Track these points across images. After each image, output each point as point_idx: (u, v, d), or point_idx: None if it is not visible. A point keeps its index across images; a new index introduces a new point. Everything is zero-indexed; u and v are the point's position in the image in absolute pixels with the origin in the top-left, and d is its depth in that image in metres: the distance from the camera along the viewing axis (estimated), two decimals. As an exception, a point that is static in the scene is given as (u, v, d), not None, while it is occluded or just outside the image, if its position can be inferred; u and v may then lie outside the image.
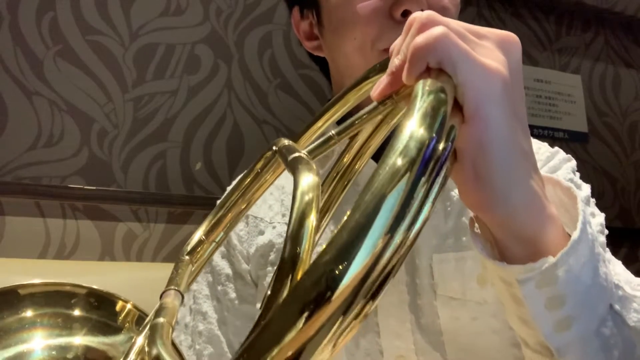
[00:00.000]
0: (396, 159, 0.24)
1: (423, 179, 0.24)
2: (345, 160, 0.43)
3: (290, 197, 0.77)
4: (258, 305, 0.70)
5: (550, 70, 1.94)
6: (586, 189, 0.65)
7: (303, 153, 0.36)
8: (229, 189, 0.80)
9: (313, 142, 0.43)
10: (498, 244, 0.38)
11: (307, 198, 0.29)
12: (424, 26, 0.34)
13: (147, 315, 0.63)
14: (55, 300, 0.49)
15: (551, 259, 0.35)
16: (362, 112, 0.39)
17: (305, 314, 0.20)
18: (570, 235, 0.37)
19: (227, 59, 1.46)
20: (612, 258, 0.54)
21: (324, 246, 0.22)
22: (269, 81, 1.49)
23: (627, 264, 0.51)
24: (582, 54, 2.01)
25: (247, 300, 0.70)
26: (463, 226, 0.63)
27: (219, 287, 0.71)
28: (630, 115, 2.05)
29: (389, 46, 0.60)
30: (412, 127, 0.26)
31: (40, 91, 1.26)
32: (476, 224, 0.40)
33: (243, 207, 0.45)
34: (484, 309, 0.59)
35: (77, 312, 0.49)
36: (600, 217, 0.61)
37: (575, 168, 0.68)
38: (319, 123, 0.44)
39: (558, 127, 1.89)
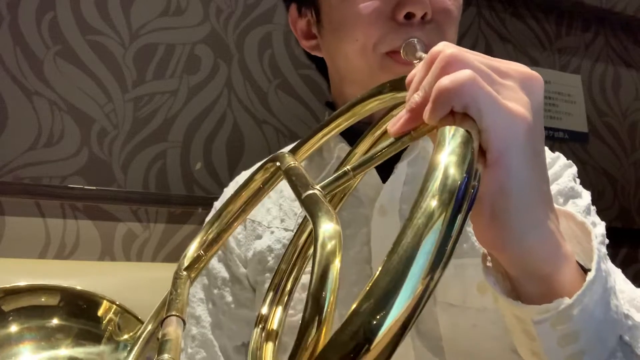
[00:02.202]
0: (431, 200, 0.25)
1: (458, 218, 0.25)
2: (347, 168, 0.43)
3: (289, 201, 0.76)
4: (255, 312, 0.69)
5: (550, 70, 1.94)
6: (587, 196, 0.65)
7: (317, 189, 0.35)
8: (226, 190, 0.80)
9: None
10: (511, 279, 0.38)
11: (328, 250, 0.27)
12: (449, 66, 0.34)
13: (133, 316, 0.62)
14: (37, 309, 0.48)
15: (567, 300, 0.35)
16: (379, 147, 0.39)
17: None
18: (583, 269, 0.37)
19: (227, 59, 1.46)
20: (612, 267, 0.53)
21: (361, 295, 0.22)
22: (269, 81, 1.49)
23: (627, 264, 0.51)
24: (582, 54, 2.01)
25: (244, 304, 0.70)
26: (463, 233, 0.63)
27: (215, 291, 0.70)
28: (630, 115, 2.05)
29: (390, 49, 0.60)
30: (439, 177, 0.26)
31: (40, 91, 1.26)
32: (489, 258, 0.40)
33: (241, 217, 0.45)
34: (484, 316, 0.59)
35: (58, 321, 0.48)
36: (601, 227, 0.60)
37: (576, 174, 0.68)
38: (319, 135, 0.44)
39: (558, 127, 1.89)
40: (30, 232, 1.21)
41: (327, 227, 0.29)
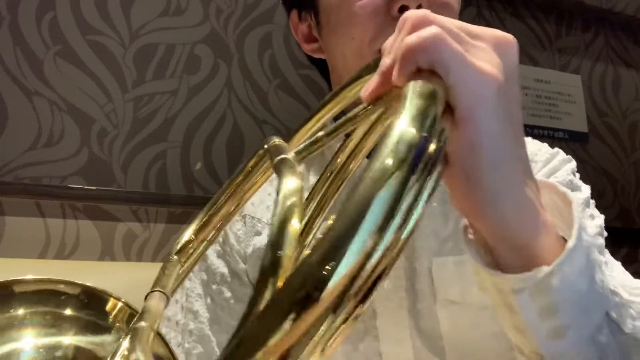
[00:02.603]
0: (385, 159, 0.24)
1: (413, 179, 0.24)
2: (339, 160, 0.43)
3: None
4: None
5: (550, 70, 1.94)
6: (586, 190, 0.65)
7: (290, 155, 0.35)
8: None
9: (303, 143, 0.43)
10: (492, 251, 0.37)
11: (288, 203, 0.28)
12: (417, 25, 0.33)
13: (133, 309, 0.63)
14: (46, 298, 0.48)
15: (546, 269, 0.34)
16: (350, 113, 0.39)
17: (292, 316, 0.19)
18: (565, 241, 0.36)
19: (227, 59, 1.46)
20: (611, 259, 0.53)
21: (310, 248, 0.21)
22: (269, 81, 1.49)
23: (627, 264, 0.51)
24: (582, 54, 2.01)
25: (243, 300, 0.70)
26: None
27: (214, 286, 0.70)
28: (630, 115, 2.05)
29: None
30: (402, 128, 0.25)
31: (40, 91, 1.26)
32: (470, 230, 0.39)
33: (234, 206, 0.45)
34: (485, 313, 0.59)
35: (68, 311, 0.49)
36: (599, 219, 0.60)
37: (575, 169, 0.68)
38: (312, 122, 0.43)
39: (558, 127, 1.89)
40: (30, 232, 1.21)
41: (290, 182, 0.29)
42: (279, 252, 0.25)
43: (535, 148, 0.69)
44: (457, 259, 0.61)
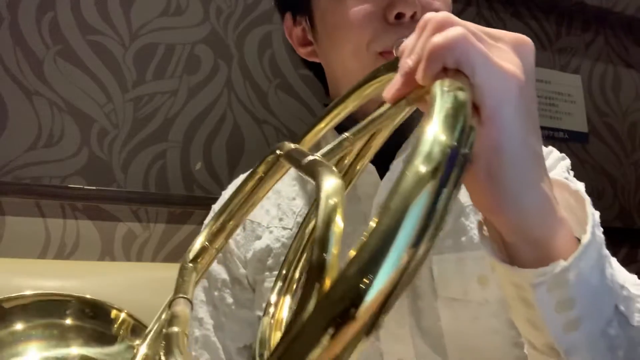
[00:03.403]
0: (420, 165, 0.24)
1: (446, 188, 0.24)
2: (346, 161, 0.43)
3: (288, 200, 0.77)
4: (257, 312, 0.69)
5: (550, 70, 1.94)
6: (581, 187, 0.66)
7: (318, 156, 0.35)
8: (225, 193, 0.81)
9: (316, 145, 0.43)
10: (507, 246, 0.38)
11: (332, 202, 0.28)
12: (442, 26, 0.34)
13: (141, 324, 0.63)
14: (47, 310, 0.49)
15: (563, 263, 0.35)
16: (376, 113, 0.39)
17: (331, 332, 0.20)
18: (577, 238, 0.37)
19: (227, 59, 1.46)
20: (607, 253, 0.54)
21: (351, 255, 0.21)
22: (269, 81, 1.49)
23: (627, 264, 0.51)
24: (582, 54, 2.01)
25: (244, 305, 0.70)
26: (461, 227, 0.63)
27: (216, 293, 0.71)
28: (630, 115, 2.05)
29: (383, 49, 0.62)
30: (435, 130, 0.26)
31: (40, 91, 1.26)
32: (485, 227, 0.40)
33: (245, 211, 0.45)
34: (486, 309, 0.59)
35: (70, 322, 0.49)
36: (595, 215, 0.61)
37: (570, 167, 0.69)
38: (321, 124, 0.43)
39: (558, 127, 1.89)
40: (30, 232, 1.21)
41: (330, 181, 0.29)
42: (325, 253, 0.25)
43: None
44: (457, 256, 0.61)
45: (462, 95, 0.29)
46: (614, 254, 0.54)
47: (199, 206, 1.34)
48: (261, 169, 0.44)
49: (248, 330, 0.70)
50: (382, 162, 0.64)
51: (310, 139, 0.44)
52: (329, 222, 0.26)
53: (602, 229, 0.58)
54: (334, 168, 0.32)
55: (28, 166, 1.23)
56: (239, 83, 1.46)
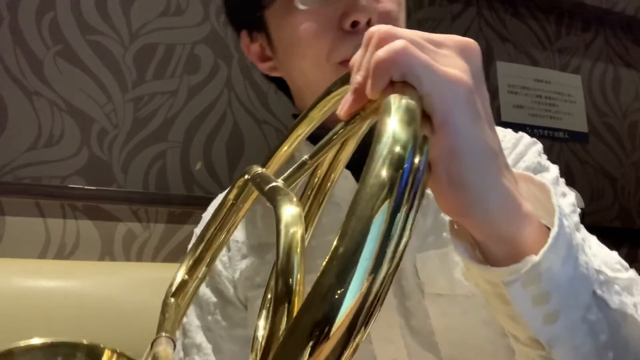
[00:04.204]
0: (375, 179, 0.24)
1: (405, 196, 0.24)
2: (318, 174, 0.43)
3: (270, 218, 0.76)
4: (250, 329, 0.69)
5: (550, 70, 1.94)
6: (554, 169, 0.66)
7: (279, 182, 0.36)
8: (205, 215, 0.81)
9: (283, 167, 0.43)
10: (479, 245, 0.38)
11: (292, 230, 0.29)
12: (383, 40, 0.35)
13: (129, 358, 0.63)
14: (48, 356, 0.48)
15: (534, 258, 0.36)
16: (330, 133, 0.39)
17: (308, 350, 0.21)
18: (548, 228, 0.37)
19: (227, 59, 1.46)
20: (587, 234, 0.54)
21: (316, 279, 0.22)
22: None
23: (627, 263, 0.51)
24: (582, 54, 2.01)
25: (239, 324, 0.70)
26: (442, 222, 0.63)
27: (209, 317, 0.71)
28: (630, 115, 2.05)
29: (343, 58, 0.62)
30: (387, 145, 0.26)
31: (40, 91, 1.26)
32: (455, 227, 0.40)
33: (222, 237, 0.45)
34: (473, 302, 0.60)
35: None
36: (571, 197, 0.61)
37: (542, 150, 0.69)
38: (286, 145, 0.44)
39: (558, 127, 1.89)
40: (30, 232, 1.21)
41: (289, 210, 0.30)
42: (290, 280, 0.26)
43: (500, 135, 0.70)
44: (440, 252, 0.62)
45: (410, 106, 0.30)
46: (613, 255, 0.54)
47: (199, 206, 1.33)
48: (232, 195, 0.44)
49: (247, 347, 0.70)
50: (358, 165, 0.64)
51: (278, 159, 0.44)
52: (289, 251, 0.27)
53: (577, 213, 0.59)
54: (292, 195, 0.32)
55: (28, 166, 1.23)
56: (239, 83, 1.46)
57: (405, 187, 0.25)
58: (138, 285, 1.09)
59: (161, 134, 1.36)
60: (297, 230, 0.29)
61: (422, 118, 0.32)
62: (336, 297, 0.21)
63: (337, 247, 0.22)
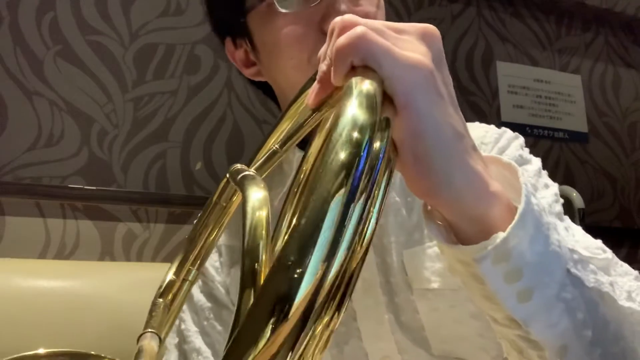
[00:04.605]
0: (334, 160, 0.24)
1: (361, 187, 0.24)
2: (304, 170, 0.44)
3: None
4: None
5: (550, 70, 1.94)
6: (536, 162, 0.67)
7: (251, 171, 0.36)
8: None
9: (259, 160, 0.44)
10: (451, 226, 0.39)
11: (258, 213, 0.29)
12: (345, 28, 0.36)
13: None
14: None
15: (501, 235, 0.36)
16: (299, 122, 0.40)
17: (268, 330, 0.21)
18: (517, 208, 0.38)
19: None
20: (572, 225, 0.55)
21: (274, 263, 0.22)
22: (269, 81, 1.49)
23: (627, 263, 0.51)
24: (582, 54, 2.01)
25: None
26: None
27: (205, 322, 0.72)
28: (630, 115, 2.05)
29: None
30: (345, 129, 0.26)
31: (40, 91, 1.26)
32: (429, 207, 0.41)
33: (210, 238, 0.46)
34: (460, 295, 0.60)
35: None
36: (554, 187, 0.62)
37: (524, 144, 0.70)
38: (269, 142, 0.45)
39: (558, 127, 1.89)
40: (30, 232, 1.21)
41: (256, 194, 0.31)
42: (255, 262, 0.26)
43: (483, 131, 0.71)
44: (427, 247, 0.62)
45: (370, 88, 0.30)
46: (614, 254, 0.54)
47: (199, 206, 1.33)
48: (216, 195, 0.45)
49: None
50: None
51: (259, 159, 0.45)
52: (255, 232, 0.28)
53: (559, 202, 0.60)
54: (260, 180, 0.33)
55: (28, 166, 1.23)
56: (239, 83, 1.46)
57: (361, 173, 0.24)
58: (138, 285, 1.09)
59: (161, 134, 1.36)
60: (263, 213, 0.29)
61: (386, 101, 0.33)
62: (296, 275, 0.21)
63: (296, 226, 0.22)
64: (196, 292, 0.73)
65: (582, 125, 1.94)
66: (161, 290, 0.44)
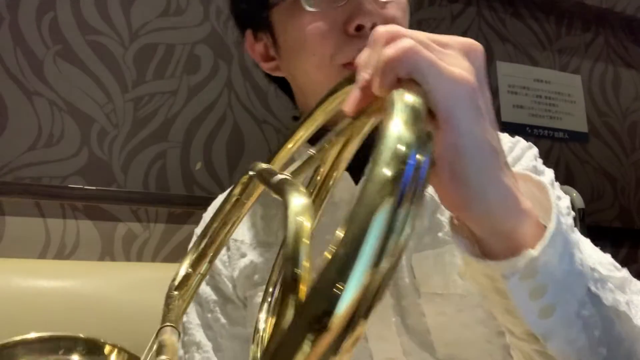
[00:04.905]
0: (380, 174, 0.25)
1: (408, 193, 0.25)
2: (321, 172, 0.44)
3: (269, 217, 0.77)
4: (249, 328, 0.70)
5: (550, 70, 1.94)
6: (549, 173, 0.68)
7: (287, 175, 0.36)
8: (205, 215, 0.82)
9: (289, 162, 0.44)
10: (479, 241, 0.39)
11: (300, 219, 0.29)
12: (391, 39, 0.36)
13: (135, 356, 0.64)
14: (39, 351, 0.49)
15: (532, 253, 0.37)
16: (338, 127, 0.40)
17: (309, 341, 0.21)
18: (545, 226, 0.39)
19: (227, 59, 1.46)
20: (581, 237, 0.55)
21: (319, 272, 0.22)
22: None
23: (627, 264, 0.51)
24: (582, 54, 2.01)
25: (238, 322, 0.71)
26: (437, 222, 0.64)
27: (209, 315, 0.72)
28: (630, 115, 2.05)
29: (347, 60, 0.63)
30: (393, 139, 0.26)
31: (40, 91, 1.26)
32: (456, 222, 0.41)
33: (225, 234, 0.46)
34: (468, 301, 0.61)
35: None
36: (565, 200, 0.63)
37: (537, 155, 0.70)
38: (290, 143, 0.44)
39: (558, 127, 1.89)
40: (30, 232, 1.21)
41: (298, 200, 0.31)
42: (296, 268, 0.26)
43: None
44: (436, 252, 0.63)
45: (416, 103, 0.30)
46: (614, 254, 0.54)
47: (199, 206, 1.33)
48: (237, 191, 0.44)
49: (246, 346, 0.70)
50: (357, 166, 0.65)
51: (282, 157, 0.45)
52: (297, 238, 0.28)
53: (571, 216, 0.61)
54: (301, 187, 0.33)
55: (28, 166, 1.23)
56: (239, 83, 1.46)
57: (408, 183, 0.25)
58: (138, 285, 1.09)
59: (161, 134, 1.36)
60: (305, 220, 0.29)
61: (427, 115, 0.33)
62: (336, 291, 0.21)
63: (341, 241, 0.23)
64: (202, 284, 0.73)
65: (582, 125, 1.94)
66: (176, 283, 0.44)
